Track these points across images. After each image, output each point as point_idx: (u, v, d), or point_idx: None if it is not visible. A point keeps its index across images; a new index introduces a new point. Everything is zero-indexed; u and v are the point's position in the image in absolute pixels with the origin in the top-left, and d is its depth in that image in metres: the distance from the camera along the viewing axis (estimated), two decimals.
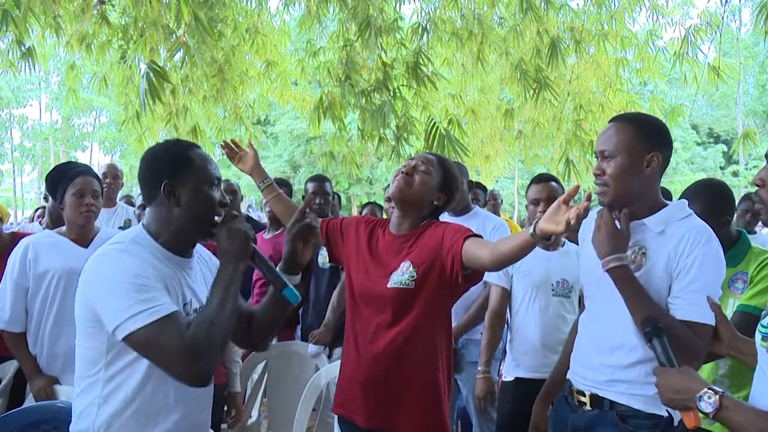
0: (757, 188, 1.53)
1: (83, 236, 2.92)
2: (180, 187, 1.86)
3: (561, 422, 2.23)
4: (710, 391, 1.43)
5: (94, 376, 1.80)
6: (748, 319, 2.31)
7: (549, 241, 1.94)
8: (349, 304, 2.42)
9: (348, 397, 2.36)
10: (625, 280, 1.94)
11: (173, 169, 1.87)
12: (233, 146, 2.88)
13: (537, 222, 1.85)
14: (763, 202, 1.52)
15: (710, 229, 2.01)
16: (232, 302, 1.75)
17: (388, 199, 3.97)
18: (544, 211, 3.00)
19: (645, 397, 1.99)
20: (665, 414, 1.98)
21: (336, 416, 2.50)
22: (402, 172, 2.35)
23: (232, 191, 4.77)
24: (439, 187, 2.38)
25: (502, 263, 2.07)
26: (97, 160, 35.80)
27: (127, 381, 1.77)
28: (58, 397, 2.73)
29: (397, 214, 2.39)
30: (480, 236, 2.23)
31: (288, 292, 1.88)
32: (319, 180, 4.30)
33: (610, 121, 2.11)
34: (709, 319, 1.87)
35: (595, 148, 2.09)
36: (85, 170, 2.94)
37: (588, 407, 2.11)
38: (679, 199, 2.30)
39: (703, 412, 1.45)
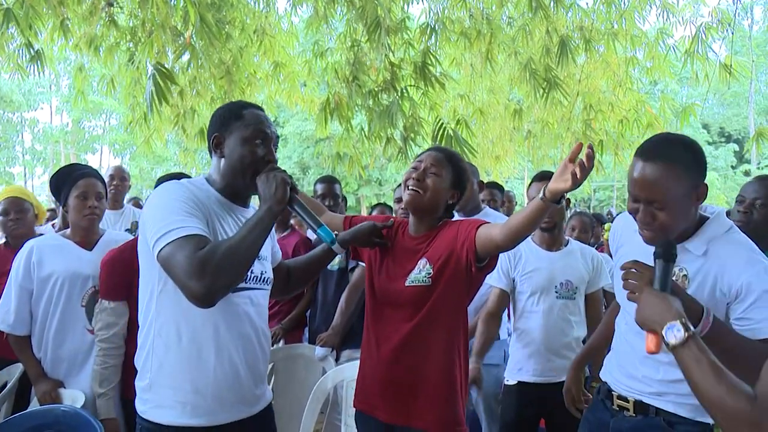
0: None
1: (87, 239, 2.90)
2: (226, 140, 2.02)
3: (599, 424, 2.17)
4: (683, 326, 1.41)
5: (147, 309, 1.95)
6: None
7: (559, 204, 1.94)
8: (370, 303, 2.44)
9: (368, 393, 2.39)
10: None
11: (223, 123, 2.04)
12: None
13: (546, 185, 1.88)
14: None
15: (751, 241, 1.94)
16: (254, 238, 1.80)
17: (398, 200, 3.95)
18: None
19: (692, 406, 1.95)
20: (711, 422, 1.93)
21: (354, 412, 2.51)
22: (413, 178, 2.34)
23: None
24: (452, 185, 2.38)
25: (514, 236, 2.05)
26: (107, 163, 36.00)
27: (177, 315, 1.90)
28: (63, 400, 2.71)
29: (414, 219, 2.42)
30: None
31: (323, 230, 2.02)
32: (329, 181, 4.28)
33: (645, 159, 1.85)
34: None
35: (635, 191, 1.87)
36: (89, 172, 2.91)
37: (631, 413, 2.06)
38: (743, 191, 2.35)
39: (666, 341, 1.43)
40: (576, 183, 1.83)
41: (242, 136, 2.00)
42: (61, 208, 3.72)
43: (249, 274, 2.02)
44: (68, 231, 2.93)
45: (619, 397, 2.10)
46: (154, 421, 1.91)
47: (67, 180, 2.86)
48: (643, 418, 2.03)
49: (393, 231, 2.50)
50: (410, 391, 2.28)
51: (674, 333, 1.41)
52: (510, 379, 3.22)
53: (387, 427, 2.33)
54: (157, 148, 8.13)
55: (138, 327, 2.68)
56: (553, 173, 3.25)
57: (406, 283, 2.29)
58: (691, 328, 1.41)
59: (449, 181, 2.37)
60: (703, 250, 1.91)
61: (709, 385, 1.30)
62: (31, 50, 5.55)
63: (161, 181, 3.99)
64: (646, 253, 1.78)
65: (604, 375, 2.23)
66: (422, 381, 2.27)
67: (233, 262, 1.72)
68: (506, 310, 3.60)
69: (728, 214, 2.73)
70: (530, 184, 3.24)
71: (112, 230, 4.02)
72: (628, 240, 2.13)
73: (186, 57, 5.63)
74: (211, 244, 1.74)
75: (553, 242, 3.19)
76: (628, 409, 2.06)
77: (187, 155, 8.20)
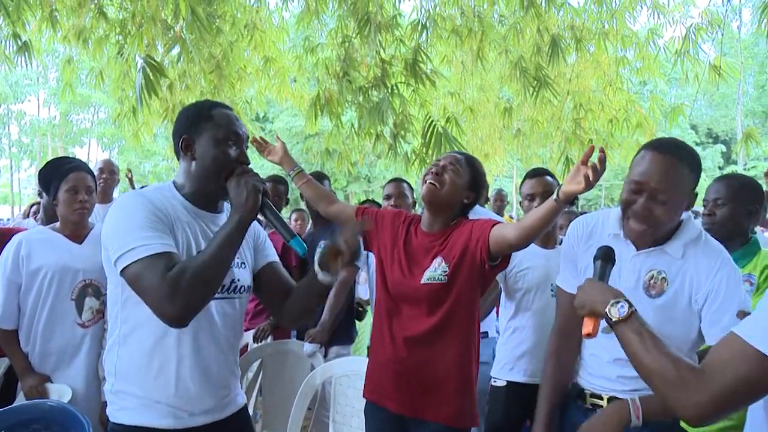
0: None
1: (77, 232, 2.88)
2: (196, 142, 1.92)
3: (571, 424, 2.14)
4: (627, 302, 1.48)
5: (115, 316, 1.89)
6: None
7: (573, 206, 2.05)
8: (382, 298, 2.47)
9: (381, 384, 2.44)
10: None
11: (192, 125, 1.94)
12: (262, 141, 2.94)
13: (560, 187, 1.96)
14: None
15: (722, 245, 1.99)
16: (226, 254, 1.75)
17: (387, 197, 3.94)
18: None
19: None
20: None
21: (365, 402, 2.55)
22: (432, 173, 2.40)
23: None
24: (468, 186, 2.44)
25: (527, 235, 2.12)
26: (95, 157, 35.76)
27: (139, 327, 1.84)
28: (50, 395, 2.69)
29: (429, 215, 2.46)
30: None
31: (295, 242, 1.87)
32: (317, 177, 4.27)
33: (659, 151, 1.89)
34: None
35: (643, 178, 1.89)
36: (79, 166, 2.88)
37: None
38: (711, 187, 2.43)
39: (608, 317, 1.48)
40: (589, 185, 1.90)
41: (214, 137, 1.91)
42: (42, 201, 3.71)
43: None
44: (57, 224, 2.91)
45: (593, 395, 2.11)
46: (121, 422, 1.89)
47: (57, 173, 2.83)
48: None
49: (404, 226, 2.54)
50: (426, 385, 2.33)
51: (618, 309, 1.47)
52: (498, 379, 3.16)
53: (398, 417, 2.39)
54: (145, 142, 8.08)
55: None
56: (545, 170, 3.28)
57: (423, 281, 2.34)
58: (633, 306, 1.48)
59: (466, 181, 2.43)
60: (681, 252, 1.96)
61: (651, 356, 1.35)
62: (19, 41, 5.50)
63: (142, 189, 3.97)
64: (618, 254, 1.81)
65: (579, 380, 2.20)
66: (439, 375, 2.33)
67: (205, 281, 1.69)
68: (495, 308, 3.60)
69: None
70: (523, 181, 3.23)
71: (101, 224, 4.00)
72: (599, 245, 2.11)
73: (176, 50, 5.59)
74: (180, 264, 1.69)
75: (548, 240, 3.18)
76: (601, 406, 2.05)
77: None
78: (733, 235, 2.68)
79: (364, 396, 2.55)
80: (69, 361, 2.80)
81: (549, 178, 3.14)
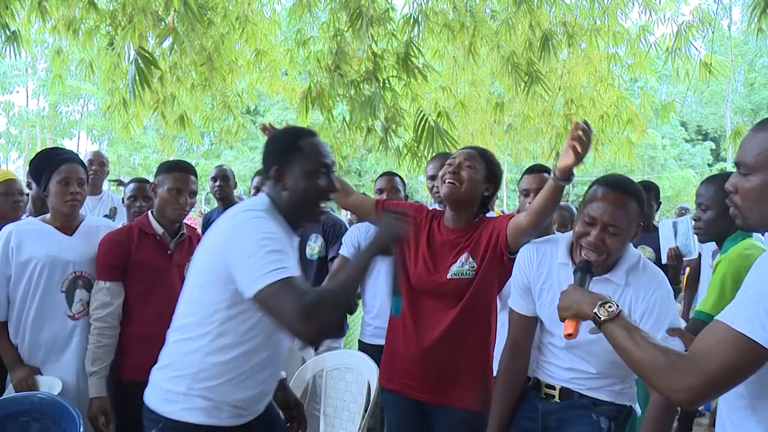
0: (730, 194, 1.51)
1: (68, 224, 2.86)
2: (287, 173, 2.03)
3: (530, 408, 2.32)
4: (614, 303, 1.57)
5: (207, 327, 1.94)
6: (700, 327, 2.35)
7: (569, 181, 2.17)
8: (405, 290, 2.52)
9: (400, 374, 2.54)
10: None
11: (282, 155, 2.05)
12: (272, 129, 2.93)
13: (554, 167, 2.16)
14: (737, 207, 1.49)
15: (659, 269, 2.21)
16: (359, 279, 1.89)
17: (380, 191, 3.95)
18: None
19: (612, 392, 2.21)
20: (628, 404, 2.22)
21: (384, 391, 2.66)
22: (450, 172, 2.48)
23: (224, 176, 4.75)
24: (486, 178, 2.53)
25: (536, 217, 2.26)
26: (85, 148, 35.56)
27: (236, 342, 1.94)
28: (39, 388, 2.67)
29: (451, 213, 2.55)
30: None
31: (396, 301, 2.07)
32: None
33: (612, 187, 2.10)
34: (681, 346, 1.96)
35: (596, 213, 2.08)
36: (71, 157, 2.86)
37: (557, 399, 2.26)
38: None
39: (596, 316, 1.57)
40: (579, 156, 2.08)
41: (304, 169, 2.03)
42: (31, 193, 3.69)
43: None
44: (47, 216, 2.89)
45: (547, 386, 2.29)
46: (186, 420, 1.95)
47: (49, 165, 2.80)
48: (569, 401, 2.24)
49: (426, 221, 2.61)
50: (450, 375, 2.44)
51: (606, 308, 1.56)
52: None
53: (418, 404, 2.51)
54: (135, 134, 8.04)
55: (133, 309, 2.81)
56: (543, 166, 3.34)
57: (449, 276, 2.44)
58: (619, 306, 1.57)
59: (483, 174, 2.51)
60: (624, 280, 2.14)
61: (640, 348, 1.44)
62: (7, 31, 5.44)
63: (133, 181, 3.96)
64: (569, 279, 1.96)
65: (532, 372, 2.38)
66: (463, 364, 2.44)
67: (338, 305, 1.82)
68: None
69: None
70: (522, 176, 3.25)
71: (92, 215, 3.98)
72: (550, 272, 2.27)
73: (167, 42, 5.55)
74: (315, 290, 1.79)
75: (545, 233, 3.19)
76: (554, 396, 2.26)
77: (164, 141, 8.09)
78: (724, 235, 2.69)
79: (382, 385, 2.66)
80: (59, 354, 2.78)
81: (546, 174, 3.16)
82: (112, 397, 2.75)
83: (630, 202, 2.07)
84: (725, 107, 34.30)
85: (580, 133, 2.03)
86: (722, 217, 2.59)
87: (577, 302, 1.67)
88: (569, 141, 2.07)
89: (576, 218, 2.18)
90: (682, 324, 2.11)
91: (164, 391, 2.00)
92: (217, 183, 4.74)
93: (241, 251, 1.82)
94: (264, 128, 3.01)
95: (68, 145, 36.14)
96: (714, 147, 34.89)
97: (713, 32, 5.91)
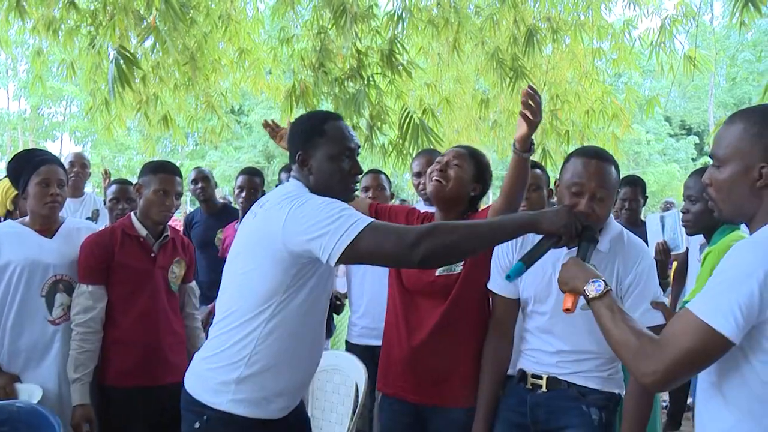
0: (707, 186, 1.58)
1: (47, 227, 2.79)
2: (312, 157, 2.06)
3: (519, 401, 2.29)
4: (603, 282, 1.63)
5: (260, 312, 1.94)
6: None
7: (531, 152, 2.20)
8: (397, 293, 2.54)
9: (396, 378, 2.51)
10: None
11: (306, 140, 2.07)
12: (274, 126, 3.00)
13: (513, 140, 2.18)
14: (714, 200, 1.57)
15: (643, 242, 2.29)
16: (485, 238, 1.86)
17: (365, 189, 3.92)
18: (526, 198, 3.03)
19: (600, 379, 2.20)
20: (616, 391, 2.22)
21: (380, 396, 2.63)
22: (437, 170, 2.47)
23: (204, 177, 4.69)
24: (474, 177, 2.51)
25: (509, 197, 2.27)
26: (68, 151, 35.22)
27: (289, 324, 1.96)
28: (19, 396, 2.60)
29: (439, 211, 2.54)
30: None
31: (519, 266, 1.93)
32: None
33: (592, 157, 2.17)
34: (662, 319, 2.11)
35: (584, 180, 2.12)
36: (50, 158, 2.80)
37: (544, 389, 2.24)
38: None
39: (585, 293, 1.64)
40: (531, 123, 2.12)
41: (328, 153, 2.05)
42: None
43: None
44: (27, 218, 2.82)
45: (533, 376, 2.28)
46: (230, 411, 1.94)
47: (27, 166, 2.73)
48: (557, 391, 2.22)
49: (418, 223, 2.58)
50: (444, 374, 2.41)
51: (595, 287, 1.62)
52: None
53: (415, 408, 2.47)
54: (118, 136, 7.96)
55: (117, 313, 2.75)
56: (534, 162, 3.33)
57: (438, 272, 2.42)
58: (608, 285, 1.63)
59: (471, 174, 2.50)
60: (608, 247, 2.18)
61: (618, 329, 1.50)
62: None
63: (115, 182, 3.91)
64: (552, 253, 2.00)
65: (515, 367, 2.37)
66: (456, 362, 2.41)
67: (451, 242, 1.78)
68: None
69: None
70: None
71: (72, 218, 3.92)
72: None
73: (149, 42, 5.49)
74: (435, 223, 1.92)
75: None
76: (541, 386, 2.25)
77: (147, 143, 8.02)
78: (712, 228, 2.68)
79: (378, 389, 2.62)
80: (39, 360, 2.71)
81: (537, 170, 3.16)
82: (95, 403, 2.69)
83: (609, 167, 2.13)
84: (708, 102, 34.52)
85: (529, 100, 2.07)
86: (711, 209, 2.58)
87: (573, 277, 1.73)
88: (520, 110, 2.11)
89: (560, 194, 2.20)
90: (664, 298, 2.20)
91: (213, 380, 1.97)
92: (199, 185, 4.68)
93: (311, 225, 1.81)
94: (266, 124, 3.01)
95: (51, 147, 35.80)
96: (698, 141, 35.07)
97: (696, 26, 5.92)
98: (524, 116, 2.11)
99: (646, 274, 2.17)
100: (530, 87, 2.11)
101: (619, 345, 1.49)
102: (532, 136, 2.19)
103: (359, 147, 2.17)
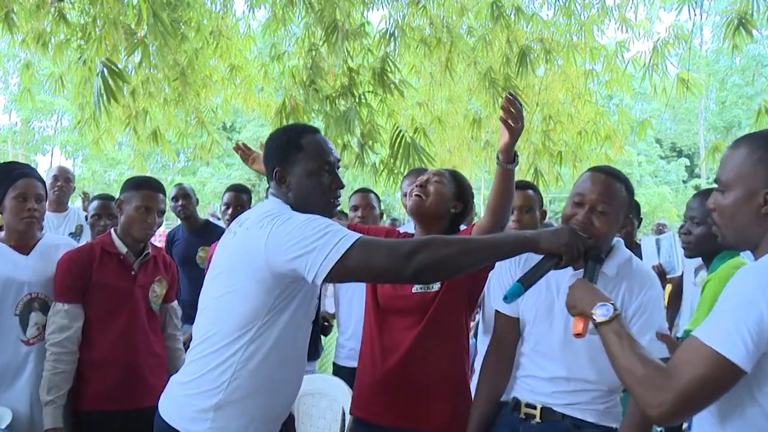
0: (712, 212, 1.55)
1: (23, 242, 2.67)
2: (290, 173, 1.98)
3: (511, 429, 2.18)
4: (612, 306, 1.57)
5: (241, 335, 1.85)
6: None
7: (515, 163, 2.15)
8: (373, 314, 2.47)
9: (370, 401, 2.42)
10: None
11: (284, 156, 1.99)
12: (245, 149, 2.94)
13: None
14: (718, 225, 1.53)
15: (651, 270, 2.22)
16: (482, 254, 1.78)
17: (354, 207, 3.85)
18: (518, 220, 2.94)
19: (597, 412, 2.08)
20: (613, 425, 2.09)
21: (353, 419, 2.55)
22: (417, 185, 2.44)
23: (185, 195, 4.56)
24: (454, 195, 2.46)
25: (495, 212, 2.21)
26: (58, 165, 35.02)
27: (271, 347, 1.87)
28: None
29: (419, 228, 2.49)
30: None
31: (517, 287, 1.85)
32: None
33: (601, 171, 2.11)
34: (666, 352, 1.96)
35: (585, 191, 2.06)
36: (28, 172, 2.68)
37: (537, 419, 2.12)
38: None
39: (594, 318, 1.58)
40: (512, 130, 2.07)
41: (307, 169, 1.97)
42: None
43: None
44: (2, 234, 2.72)
45: (527, 405, 2.16)
46: None
47: (4, 180, 2.61)
48: (550, 423, 2.11)
49: None
50: (419, 396, 2.33)
51: (604, 311, 1.56)
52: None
53: (386, 430, 2.37)
54: (109, 150, 7.89)
55: (94, 333, 2.63)
56: (528, 183, 3.29)
57: (414, 290, 2.36)
58: (618, 309, 1.57)
59: (452, 191, 2.45)
60: (615, 272, 2.08)
61: (625, 356, 1.44)
62: None
63: (97, 198, 3.83)
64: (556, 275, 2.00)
65: (510, 393, 2.26)
66: (430, 384, 2.33)
67: (444, 256, 1.71)
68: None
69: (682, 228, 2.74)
70: None
71: (55, 234, 3.82)
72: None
73: (137, 56, 5.43)
74: (429, 236, 1.78)
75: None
76: (534, 416, 2.13)
77: (137, 158, 7.95)
78: (713, 252, 2.62)
79: (351, 413, 2.53)
80: (11, 382, 2.56)
81: (530, 192, 3.09)
82: (69, 428, 2.56)
83: (618, 185, 2.05)
84: (698, 124, 34.76)
85: (509, 106, 2.02)
86: (714, 233, 2.52)
87: (581, 300, 1.67)
88: (500, 118, 2.05)
89: (567, 201, 2.14)
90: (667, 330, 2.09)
91: (190, 407, 1.88)
92: (179, 203, 4.54)
93: (295, 243, 1.73)
94: (237, 148, 2.94)
95: (41, 161, 35.67)
96: (688, 164, 35.31)
97: (690, 48, 5.94)
98: (505, 123, 2.05)
99: (653, 303, 2.07)
100: (510, 93, 2.05)
101: (625, 373, 1.43)
102: (516, 148, 2.16)
103: (339, 160, 2.08)
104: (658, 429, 5.13)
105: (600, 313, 1.56)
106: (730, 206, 1.46)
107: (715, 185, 1.56)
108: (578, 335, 1.68)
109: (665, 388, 1.32)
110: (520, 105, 2.07)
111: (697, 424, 1.51)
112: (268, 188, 4.45)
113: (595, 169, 2.12)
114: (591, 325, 1.63)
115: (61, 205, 4.69)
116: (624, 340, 1.48)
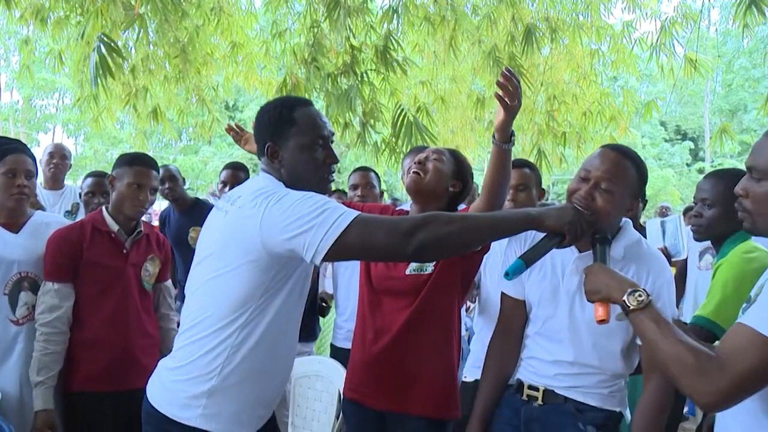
0: (740, 197, 1.51)
1: (13, 220, 2.62)
2: (282, 148, 1.92)
3: (513, 412, 2.16)
4: (644, 291, 1.52)
5: (234, 318, 1.80)
6: (699, 332, 2.32)
7: (511, 143, 2.08)
8: (366, 294, 2.46)
9: (361, 383, 2.42)
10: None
11: (275, 130, 1.93)
12: (238, 129, 2.87)
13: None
14: (747, 211, 1.50)
15: (661, 254, 2.19)
16: (487, 231, 1.75)
17: (353, 186, 3.79)
18: (513, 199, 2.89)
19: (600, 395, 2.06)
20: (617, 409, 2.08)
21: (344, 401, 2.55)
22: (415, 163, 2.41)
23: (171, 177, 4.46)
24: (453, 174, 2.43)
25: (490, 190, 2.15)
26: (53, 142, 34.91)
27: (265, 329, 1.82)
28: None
29: (416, 206, 2.45)
30: None
31: (519, 263, 1.80)
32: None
33: (612, 149, 2.04)
34: None
35: (590, 166, 2.00)
36: (17, 147, 2.61)
37: (539, 401, 2.10)
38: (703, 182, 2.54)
39: (625, 304, 1.52)
40: (508, 108, 2.00)
41: (300, 143, 1.91)
42: None
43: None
44: None
45: (530, 387, 2.14)
46: (200, 427, 1.80)
47: None
48: (553, 406, 2.09)
49: None
50: (408, 379, 2.31)
51: (636, 297, 1.51)
52: (469, 376, 3.04)
53: (379, 414, 2.37)
54: (110, 129, 7.85)
55: (85, 313, 2.58)
56: (524, 161, 3.23)
57: (408, 271, 2.34)
58: (650, 294, 1.53)
59: (450, 169, 2.42)
60: (622, 254, 2.02)
61: (669, 343, 1.40)
62: None
63: (90, 175, 3.77)
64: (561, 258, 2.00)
65: (517, 375, 2.23)
66: (420, 367, 2.31)
67: (446, 234, 1.65)
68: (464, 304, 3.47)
69: (688, 210, 2.66)
70: None
71: (49, 212, 3.77)
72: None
73: (133, 31, 5.34)
74: (430, 212, 1.71)
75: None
76: (536, 398, 2.11)
77: (138, 136, 7.89)
78: (723, 236, 2.53)
79: (344, 395, 2.52)
80: (0, 362, 2.54)
81: (527, 170, 3.03)
82: (59, 409, 2.52)
83: (627, 163, 1.98)
84: (704, 107, 34.56)
85: (506, 82, 1.96)
86: (727, 216, 2.42)
87: (606, 286, 1.62)
88: (496, 94, 1.99)
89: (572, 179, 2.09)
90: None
91: (181, 393, 1.82)
92: (166, 185, 4.46)
93: (292, 221, 1.66)
94: (230, 129, 2.89)
95: (43, 139, 35.56)
96: (693, 147, 35.14)
97: (697, 29, 5.84)
98: (501, 100, 1.99)
99: (666, 289, 2.01)
100: (507, 69, 1.98)
101: (669, 359, 1.39)
102: (518, 128, 2.09)
103: (333, 134, 2.02)
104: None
105: (633, 300, 1.51)
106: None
107: (720, 167, 1.52)
108: (602, 321, 1.64)
109: (719, 377, 1.31)
110: (518, 82, 2.00)
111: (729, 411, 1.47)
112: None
113: (608, 146, 2.06)
114: (614, 311, 1.60)
115: (56, 183, 4.63)
116: (663, 326, 1.44)
